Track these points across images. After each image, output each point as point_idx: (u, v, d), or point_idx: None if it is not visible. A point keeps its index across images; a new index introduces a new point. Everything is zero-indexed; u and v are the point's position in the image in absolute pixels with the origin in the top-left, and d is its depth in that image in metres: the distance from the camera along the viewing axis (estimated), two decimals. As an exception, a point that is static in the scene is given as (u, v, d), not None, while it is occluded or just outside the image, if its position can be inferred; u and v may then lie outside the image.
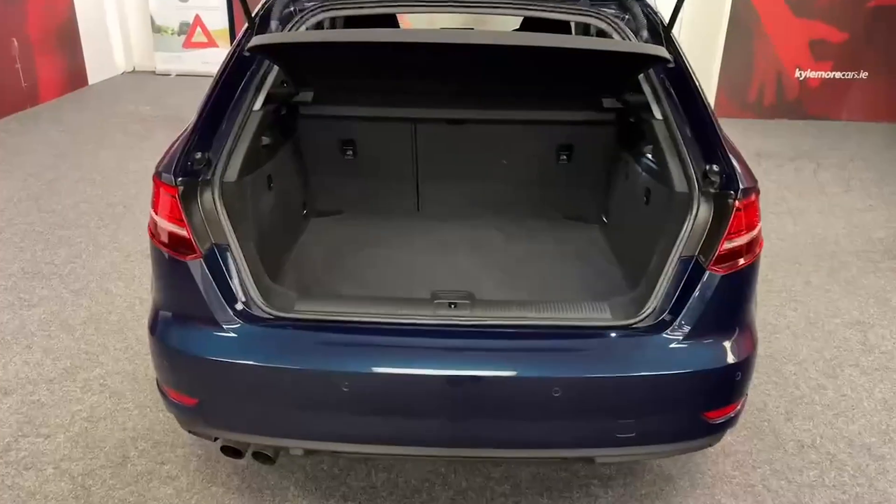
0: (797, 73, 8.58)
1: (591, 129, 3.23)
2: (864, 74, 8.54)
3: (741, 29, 8.34)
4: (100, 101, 8.75)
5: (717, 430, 2.33)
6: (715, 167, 2.27)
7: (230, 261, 2.22)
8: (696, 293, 2.16)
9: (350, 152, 3.37)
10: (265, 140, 2.72)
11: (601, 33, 2.84)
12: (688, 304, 2.13)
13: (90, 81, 9.48)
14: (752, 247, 2.25)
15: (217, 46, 10.05)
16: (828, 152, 7.29)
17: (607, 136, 3.24)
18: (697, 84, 2.49)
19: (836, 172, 6.65)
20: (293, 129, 3.22)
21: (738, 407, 2.34)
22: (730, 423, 2.34)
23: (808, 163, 6.97)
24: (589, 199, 3.48)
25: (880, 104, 8.57)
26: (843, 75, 8.56)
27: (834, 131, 8.08)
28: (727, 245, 2.20)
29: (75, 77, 9.17)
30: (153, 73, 10.30)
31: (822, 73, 8.55)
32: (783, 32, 8.36)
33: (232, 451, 2.35)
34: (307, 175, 3.42)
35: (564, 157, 3.35)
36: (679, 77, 2.52)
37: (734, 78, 8.48)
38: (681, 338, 2.16)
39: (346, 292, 2.77)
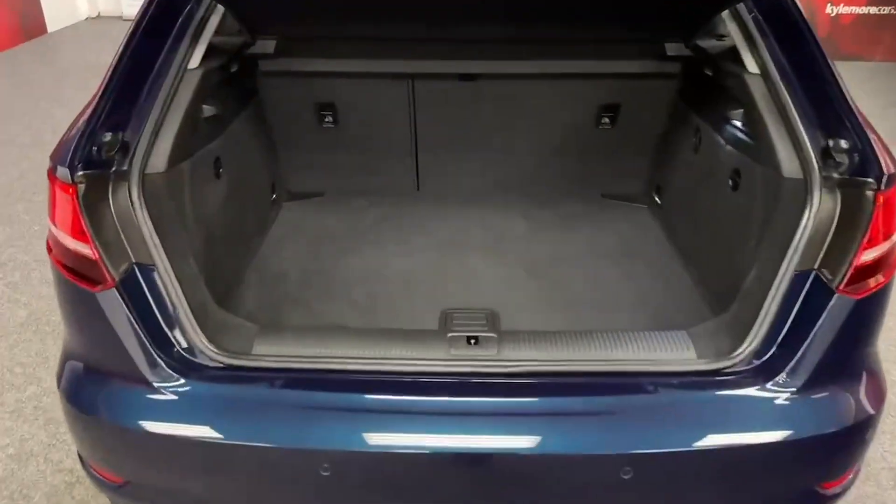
0: (828, 9, 7.80)
1: (647, 83, 2.53)
2: (901, 10, 7.76)
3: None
4: (59, 52, 7.97)
5: (831, 502, 1.73)
6: (842, 143, 1.61)
7: (159, 287, 1.61)
8: (820, 324, 1.56)
9: (329, 119, 2.66)
10: (209, 110, 2.02)
11: None
12: (808, 340, 1.58)
13: (49, 29, 8.65)
14: (888, 259, 1.61)
15: (187, -13, 9.08)
16: (861, 98, 6.51)
17: (668, 94, 2.54)
18: (809, 24, 1.78)
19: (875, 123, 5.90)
20: (251, 92, 2.50)
21: (856, 470, 1.75)
22: (845, 491, 1.74)
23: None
24: (637, 173, 2.82)
25: (920, 43, 7.80)
26: (879, 10, 7.77)
27: (868, 73, 7.32)
28: (865, 256, 1.55)
29: (32, 24, 8.31)
30: (120, 18, 9.36)
31: (856, 8, 7.75)
32: (815, -36, 7.57)
33: None
34: (275, 150, 2.72)
35: (607, 120, 2.65)
36: (782, 14, 1.81)
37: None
38: (795, 388, 1.56)
39: (326, 315, 2.11)
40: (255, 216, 2.50)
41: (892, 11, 7.79)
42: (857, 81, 6.67)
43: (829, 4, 7.79)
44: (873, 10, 7.79)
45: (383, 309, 2.13)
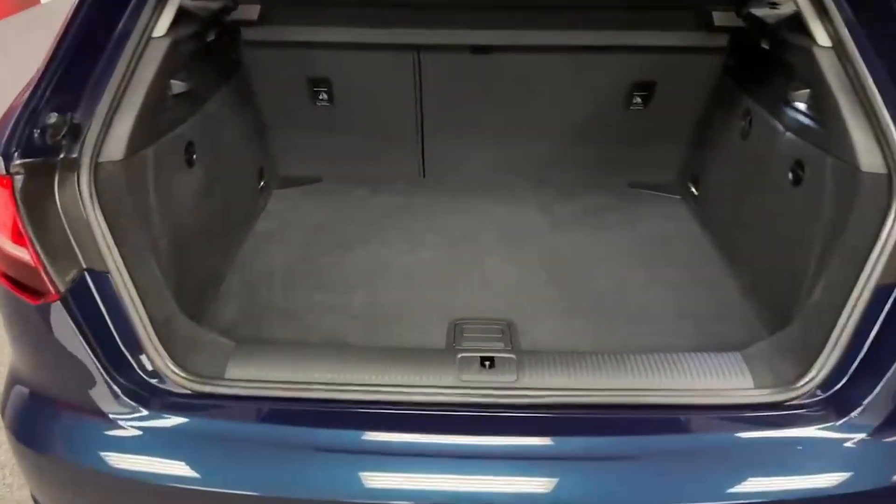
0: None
1: (688, 58, 2.23)
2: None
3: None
4: (53, 24, 7.61)
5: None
6: None
7: (115, 298, 1.36)
8: None
9: (324, 96, 2.38)
10: (179, 86, 1.74)
11: None
12: (892, 369, 1.33)
13: None
14: None
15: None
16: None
17: (712, 71, 2.24)
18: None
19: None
20: (233, 66, 2.22)
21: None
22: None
23: None
24: (671, 160, 2.53)
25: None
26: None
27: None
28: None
29: (22, -6, 7.98)
30: (115, -12, 9.03)
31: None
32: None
33: None
34: (263, 131, 2.44)
35: (640, 100, 2.36)
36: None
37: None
38: (876, 427, 1.33)
39: (317, 326, 1.85)
40: (238, 208, 2.22)
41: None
42: None
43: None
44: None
45: (383, 318, 1.86)
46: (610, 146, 2.51)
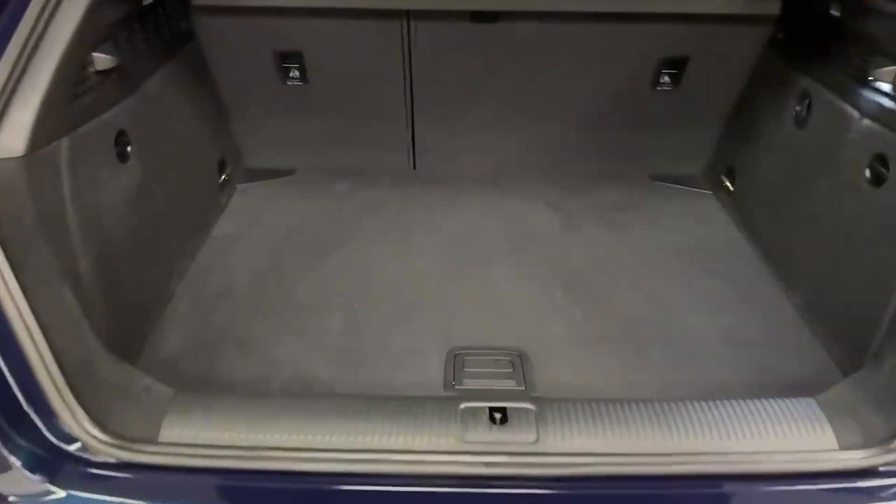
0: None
1: (729, 29, 1.86)
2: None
3: None
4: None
5: None
6: None
7: (10, 336, 1.05)
8: None
9: (295, 73, 2.00)
10: (105, 60, 1.36)
11: None
12: None
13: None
14: None
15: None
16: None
17: (757, 44, 1.88)
18: None
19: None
20: (183, 36, 1.82)
21: None
22: None
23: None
24: (700, 149, 2.18)
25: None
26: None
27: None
28: None
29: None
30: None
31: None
32: None
33: None
34: (225, 115, 2.06)
35: (669, 78, 1.99)
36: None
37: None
38: None
39: (283, 359, 1.49)
40: (191, 210, 1.84)
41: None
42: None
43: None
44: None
45: (366, 348, 1.51)
46: (632, 133, 2.15)
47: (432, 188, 2.14)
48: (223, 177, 2.05)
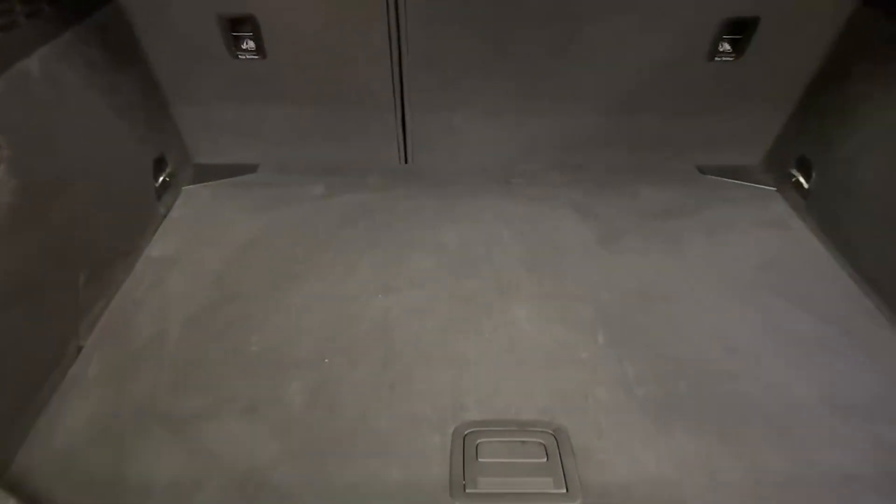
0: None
1: None
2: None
3: None
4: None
5: None
6: None
7: None
8: None
9: (249, 44, 1.54)
10: None
11: None
12: None
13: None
14: None
15: None
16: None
17: (849, 2, 1.45)
18: None
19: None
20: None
21: None
22: None
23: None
24: (761, 135, 1.77)
25: None
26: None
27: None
28: None
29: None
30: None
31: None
32: None
33: None
34: (161, 99, 1.61)
35: (730, 46, 1.55)
36: None
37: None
38: None
39: (222, 449, 1.07)
40: (112, 227, 1.39)
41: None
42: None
43: None
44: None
45: (340, 427, 1.09)
46: (678, 116, 1.71)
47: (429, 191, 1.71)
48: (162, 178, 1.61)
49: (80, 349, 1.21)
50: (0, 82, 1.03)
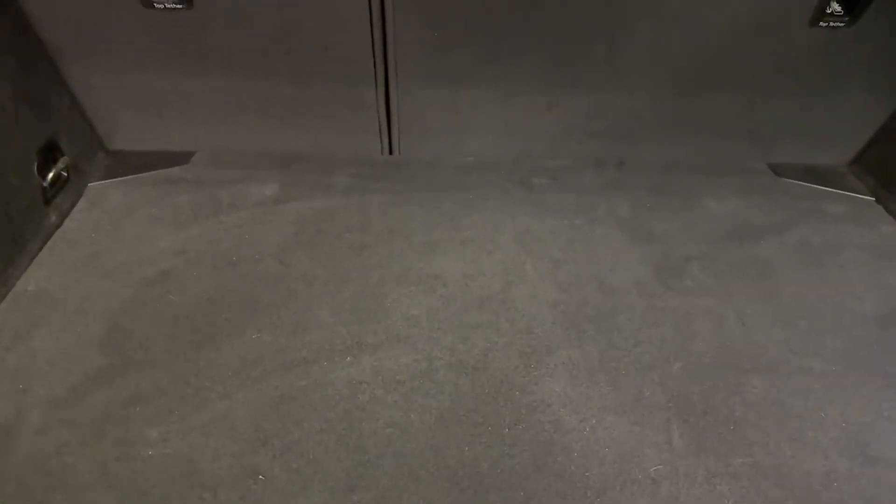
0: None
1: None
2: None
3: None
4: None
5: None
6: None
7: None
8: None
9: None
10: None
11: None
12: None
13: None
14: None
15: None
16: None
17: None
18: None
19: None
20: None
21: None
22: None
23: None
24: (864, 127, 1.35)
25: None
26: None
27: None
28: None
29: None
30: None
31: None
32: None
33: None
34: (49, 67, 1.15)
35: (841, 6, 1.10)
36: None
37: None
38: None
39: None
40: None
41: None
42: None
43: None
44: None
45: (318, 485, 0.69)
46: (754, 100, 1.27)
47: (421, 196, 1.26)
48: (53, 173, 1.16)
49: None
50: None
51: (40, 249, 1.11)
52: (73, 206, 1.21)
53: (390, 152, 1.36)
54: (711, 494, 0.78)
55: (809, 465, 0.82)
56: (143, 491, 0.76)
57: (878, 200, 1.33)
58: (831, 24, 1.14)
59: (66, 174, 1.21)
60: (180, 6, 1.09)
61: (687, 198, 1.30)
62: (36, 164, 1.13)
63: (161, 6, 1.09)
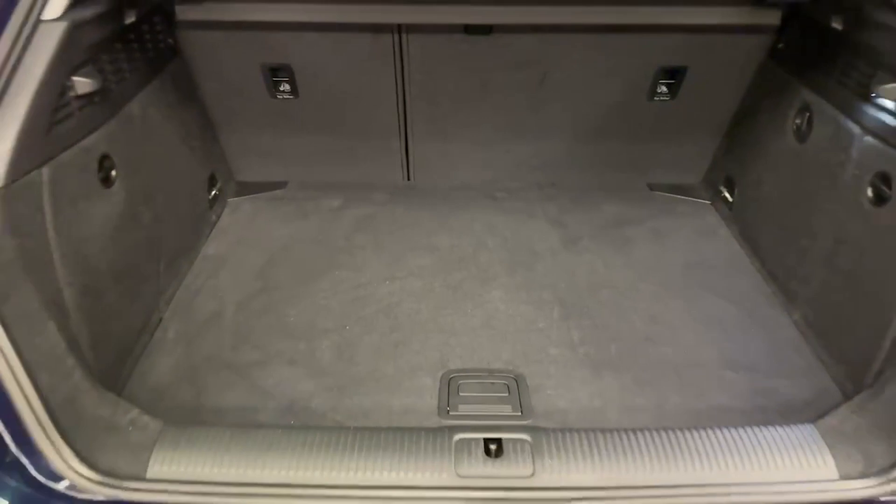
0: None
1: (728, 39, 1.83)
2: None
3: None
4: None
5: None
6: None
7: None
8: None
9: (286, 87, 1.95)
10: (86, 84, 1.31)
11: None
12: None
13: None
14: None
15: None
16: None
17: (758, 55, 1.85)
18: None
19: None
20: (167, 53, 1.77)
21: None
22: None
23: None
24: (699, 159, 2.16)
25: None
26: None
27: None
28: None
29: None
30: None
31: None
32: None
33: None
34: (212, 130, 2.02)
35: (667, 89, 1.95)
36: None
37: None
38: None
39: (272, 386, 1.45)
40: (179, 231, 1.79)
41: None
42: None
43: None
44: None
45: (358, 372, 1.47)
46: (630, 143, 2.10)
47: (427, 203, 2.09)
48: (213, 192, 2.00)
49: (160, 320, 1.60)
50: (116, 120, 1.42)
51: (210, 234, 1.94)
52: (221, 212, 2.05)
53: (408, 179, 2.20)
54: (568, 335, 1.57)
55: (619, 325, 1.60)
56: (293, 337, 1.56)
57: (711, 203, 2.13)
58: (661, 99, 1.97)
59: (218, 193, 2.05)
60: (291, 97, 1.95)
61: (591, 205, 2.11)
62: (207, 186, 1.98)
63: (280, 97, 1.95)
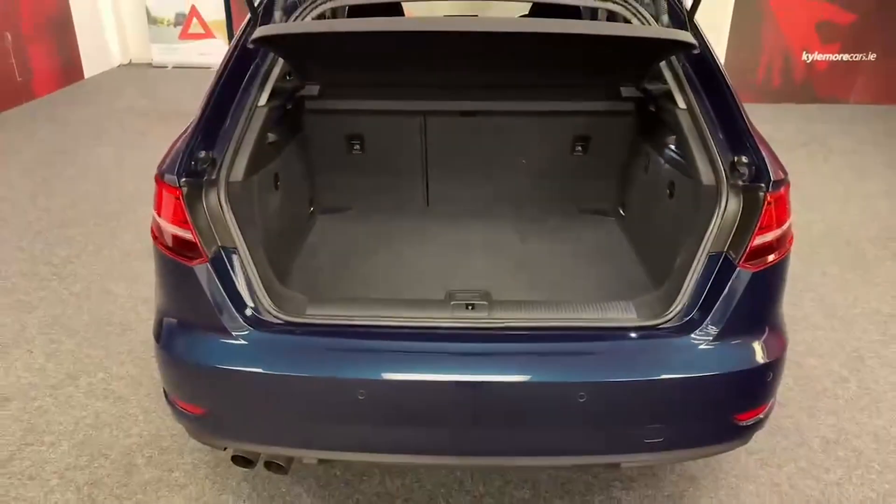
0: (804, 56, 8.48)
1: (609, 119, 3.12)
2: (872, 56, 8.44)
3: (748, 10, 8.22)
4: (96, 95, 8.60)
5: (747, 432, 2.24)
6: (744, 158, 2.16)
7: (238, 264, 2.10)
8: (726, 291, 2.03)
9: (357, 147, 3.26)
10: (271, 137, 2.60)
11: (615, 18, 2.74)
12: (717, 303, 2.02)
13: (86, 75, 9.36)
14: (782, 242, 2.15)
15: (214, 37, 9.90)
16: (839, 136, 7.17)
17: (625, 127, 3.13)
18: (723, 71, 2.39)
19: (848, 157, 6.52)
20: (299, 125, 3.10)
21: (769, 407, 2.25)
22: (760, 424, 2.25)
23: (819, 148, 6.84)
24: (606, 191, 3.37)
25: (890, 86, 8.45)
26: (852, 57, 8.47)
27: (843, 114, 7.96)
28: (758, 240, 2.09)
29: (70, 70, 9.04)
30: (150, 65, 10.17)
31: (830, 55, 8.46)
32: (790, 14, 8.26)
33: (243, 461, 2.26)
34: (314, 172, 3.32)
35: (580, 148, 3.23)
36: (703, 64, 2.41)
37: (741, 60, 8.34)
38: (710, 338, 2.02)
39: (357, 295, 2.67)
40: (298, 224, 3.06)
41: (864, 58, 8.46)
42: (834, 124, 7.35)
43: (804, 52, 8.46)
44: (846, 56, 8.46)
45: (400, 291, 2.68)
46: (562, 181, 3.36)
47: (438, 217, 3.34)
48: (311, 209, 3.29)
49: (291, 266, 2.85)
50: (281, 157, 2.72)
51: (309, 232, 3.21)
52: (314, 223, 3.31)
53: (427, 205, 3.47)
54: (519, 279, 2.79)
55: (550, 274, 2.83)
56: (361, 275, 2.82)
57: (615, 218, 3.35)
58: (578, 154, 3.26)
59: (313, 210, 3.32)
60: (360, 153, 3.27)
61: (541, 220, 3.33)
62: (308, 204, 3.27)
63: (354, 153, 3.26)
